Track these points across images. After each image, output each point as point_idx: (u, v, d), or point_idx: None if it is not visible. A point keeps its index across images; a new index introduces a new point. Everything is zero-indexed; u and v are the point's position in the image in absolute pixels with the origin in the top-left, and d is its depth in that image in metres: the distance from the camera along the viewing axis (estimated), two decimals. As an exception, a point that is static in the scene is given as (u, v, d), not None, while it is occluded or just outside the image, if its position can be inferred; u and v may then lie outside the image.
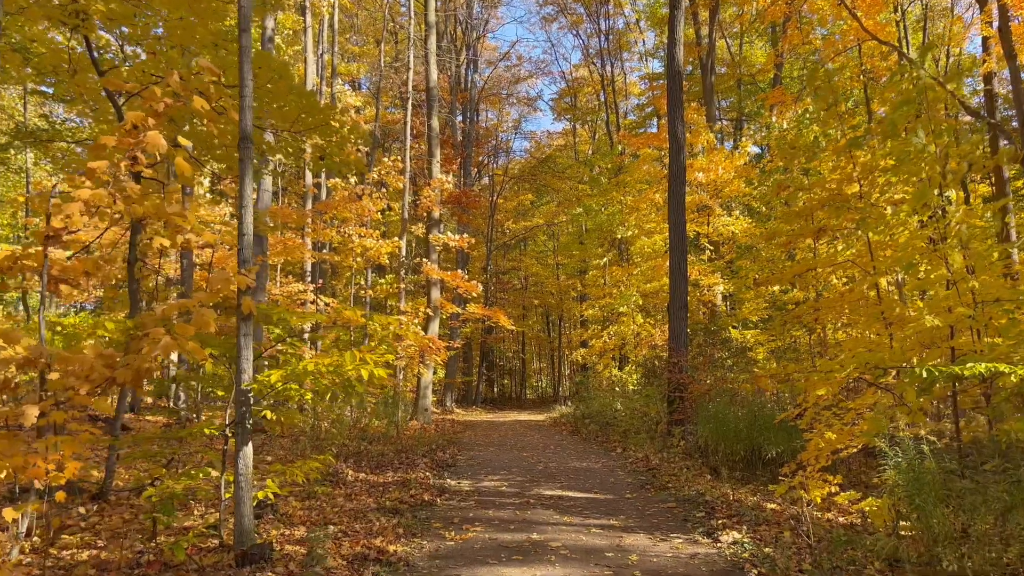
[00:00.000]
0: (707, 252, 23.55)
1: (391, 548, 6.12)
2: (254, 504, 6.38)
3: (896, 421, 7.53)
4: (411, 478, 9.72)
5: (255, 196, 15.16)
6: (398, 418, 15.72)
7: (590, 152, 38.01)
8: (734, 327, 20.74)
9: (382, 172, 16.46)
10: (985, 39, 15.74)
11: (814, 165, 16.59)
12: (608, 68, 37.81)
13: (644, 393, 15.10)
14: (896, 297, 10.39)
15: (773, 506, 8.41)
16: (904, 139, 6.99)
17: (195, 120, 7.55)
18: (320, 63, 22.71)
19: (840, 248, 13.04)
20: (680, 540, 6.54)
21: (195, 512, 7.31)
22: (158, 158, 5.81)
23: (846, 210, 8.49)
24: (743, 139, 32.02)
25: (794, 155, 12.89)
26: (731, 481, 9.74)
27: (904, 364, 7.55)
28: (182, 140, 5.67)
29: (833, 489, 8.49)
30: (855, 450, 8.41)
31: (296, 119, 7.63)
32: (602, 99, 39.02)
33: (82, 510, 7.03)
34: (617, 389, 22.17)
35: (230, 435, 5.84)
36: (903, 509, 5.99)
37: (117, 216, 6.09)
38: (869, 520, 7.54)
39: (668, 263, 22.98)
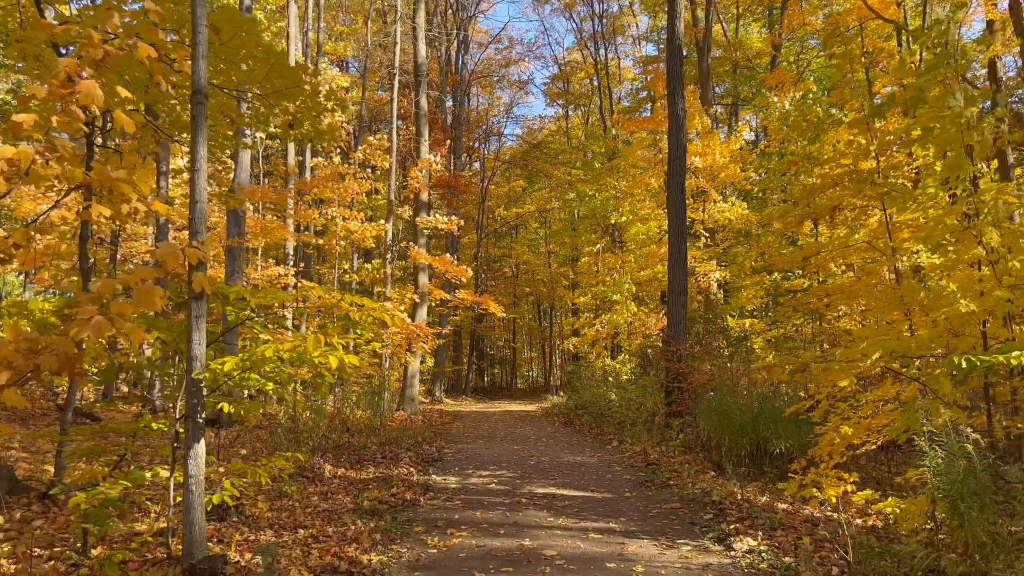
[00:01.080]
0: (702, 239, 22.89)
1: (365, 558, 5.43)
2: (212, 508, 5.68)
3: (929, 415, 6.90)
4: (393, 474, 9.03)
5: (233, 175, 14.38)
6: (383, 408, 15.02)
7: (583, 138, 37.22)
8: (731, 316, 20.12)
9: (367, 151, 15.68)
10: (990, 22, 15.09)
11: (815, 148, 15.95)
12: (602, 52, 37.04)
13: (641, 383, 14.46)
14: (913, 281, 9.76)
15: (784, 506, 7.79)
16: (936, 103, 6.30)
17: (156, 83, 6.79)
18: (305, 41, 21.84)
19: (843, 233, 12.41)
20: (689, 547, 5.88)
21: (151, 515, 6.60)
22: (96, 112, 5.06)
23: (867, 185, 7.81)
24: (739, 124, 31.39)
25: (807, 128, 12.21)
26: (736, 478, 9.09)
27: (935, 353, 6.91)
28: (122, 91, 4.92)
29: (849, 488, 7.86)
30: (874, 446, 7.80)
31: (263, 80, 6.87)
32: (595, 84, 38.25)
33: (20, 513, 6.30)
34: (610, 379, 21.55)
35: (182, 431, 5.12)
36: (942, 515, 5.34)
37: (55, 183, 5.37)
38: (893, 524, 6.91)
39: (666, 247, 22.32)
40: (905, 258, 10.40)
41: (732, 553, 5.67)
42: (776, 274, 18.82)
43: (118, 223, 9.00)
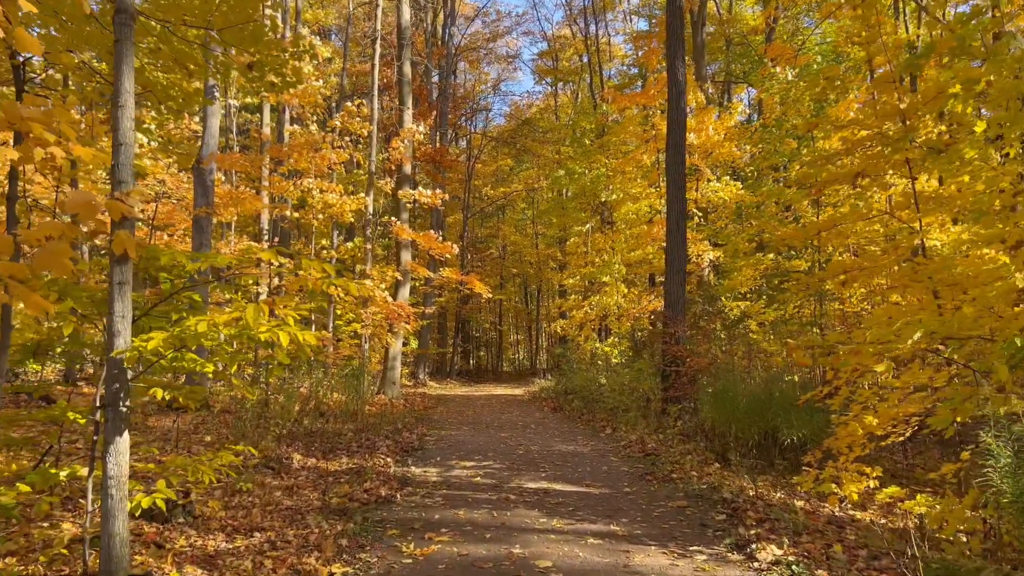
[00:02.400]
0: (695, 218, 22.08)
1: (326, 571, 4.60)
2: (143, 511, 4.83)
3: (990, 402, 6.13)
4: (368, 466, 8.19)
5: (200, 141, 13.39)
6: (363, 392, 14.17)
7: (572, 115, 36.27)
8: (726, 297, 19.37)
9: (345, 119, 14.70)
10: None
11: (831, 111, 15.13)
12: (592, 28, 36.04)
13: (636, 367, 13.66)
14: (947, 256, 8.97)
15: (801, 504, 7.03)
16: (998, 51, 5.47)
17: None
18: (283, 6, 20.73)
19: (847, 209, 11.61)
20: (704, 557, 5.08)
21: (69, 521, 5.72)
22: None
23: (905, 143, 6.99)
24: (732, 102, 30.55)
25: (830, 85, 11.33)
26: (744, 471, 8.34)
27: (979, 334, 6.14)
28: (23, 3, 3.99)
29: (871, 484, 7.11)
30: (901, 438, 7.05)
31: (214, 13, 5.93)
32: (584, 61, 37.26)
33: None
34: (600, 363, 20.82)
35: (101, 420, 4.25)
36: (1009, 525, 4.57)
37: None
38: (928, 526, 6.15)
39: (659, 227, 21.61)
40: (932, 233, 9.64)
41: (756, 565, 4.88)
42: (773, 255, 18.06)
43: (55, 178, 8.06)
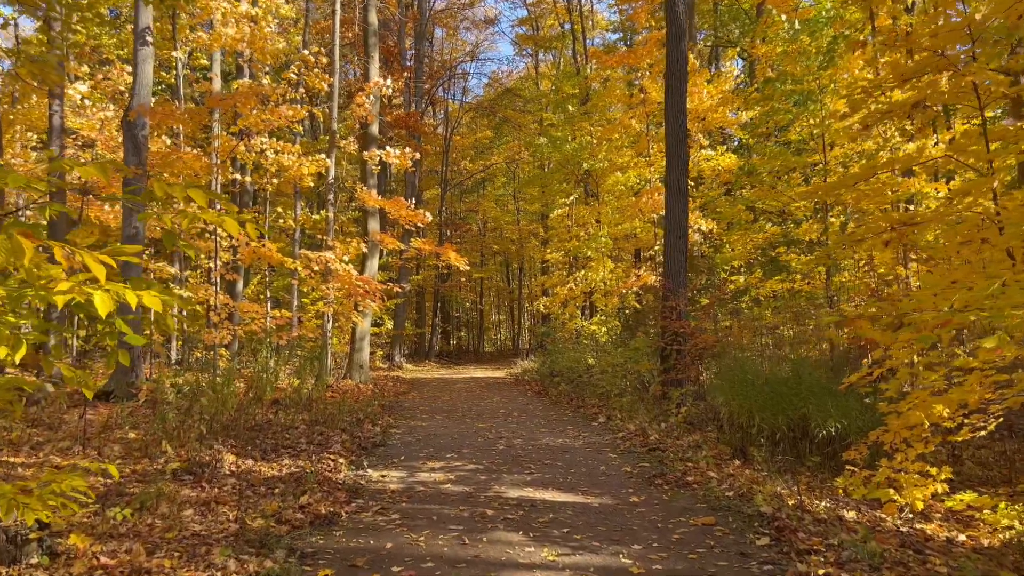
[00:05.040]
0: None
1: (207, 657, 3.07)
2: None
3: None
4: (311, 471, 6.64)
5: (131, 91, 11.68)
6: (323, 376, 12.60)
7: (556, 77, 34.59)
8: (723, 270, 17.96)
9: (301, 70, 12.99)
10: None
11: (843, 63, 13.68)
12: (574, -8, 34.22)
13: (631, 346, 12.18)
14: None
15: (852, 515, 5.60)
16: None
17: None
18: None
19: (881, 159, 10.15)
20: (760, 612, 3.60)
21: None
22: None
23: (972, 69, 5.52)
24: (727, 65, 29.07)
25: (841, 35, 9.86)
26: (771, 469, 6.91)
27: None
28: None
29: (938, 488, 5.68)
30: (984, 432, 5.65)
31: None
32: (567, 28, 35.51)
33: None
34: (585, 342, 19.38)
35: None
36: None
37: None
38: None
39: (646, 197, 20.12)
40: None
41: (838, 627, 3.40)
42: (778, 224, 16.64)
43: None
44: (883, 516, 5.69)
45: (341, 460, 7.25)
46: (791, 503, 5.59)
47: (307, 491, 5.87)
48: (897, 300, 8.06)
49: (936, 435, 5.48)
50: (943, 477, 5.47)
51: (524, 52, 40.94)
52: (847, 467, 5.85)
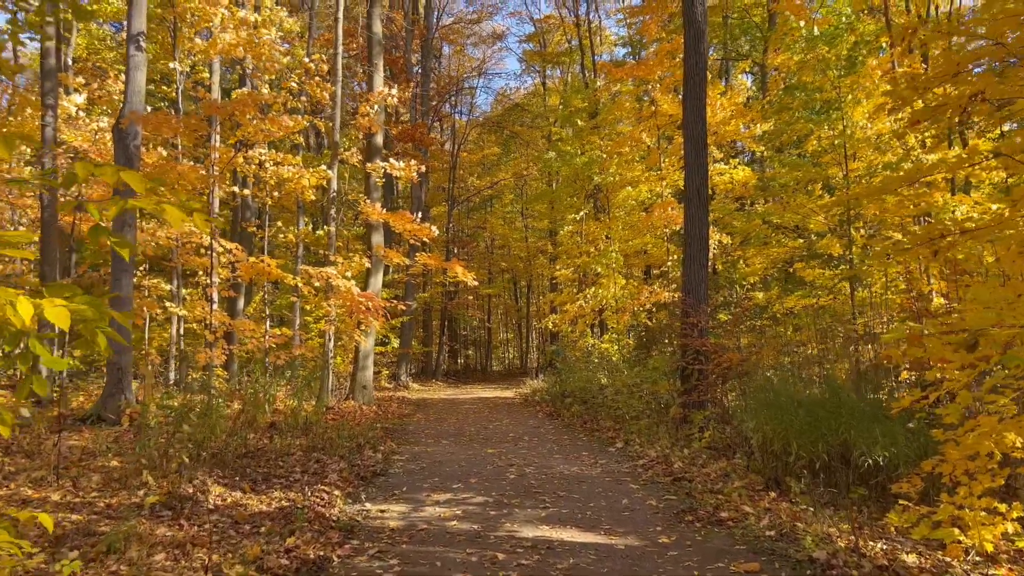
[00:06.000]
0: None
1: None
2: None
3: None
4: (303, 505, 6.01)
5: (123, 99, 11.20)
6: (323, 398, 12.00)
7: (564, 92, 34.17)
8: (740, 285, 17.32)
9: (302, 79, 12.49)
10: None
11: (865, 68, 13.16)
12: (583, 8, 33.98)
13: (649, 365, 11.51)
14: None
15: (913, 559, 4.93)
16: None
17: None
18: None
19: (930, 160, 9.53)
20: None
21: None
22: None
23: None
24: (737, 78, 28.59)
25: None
26: (810, 502, 6.25)
27: None
28: None
29: (1008, 527, 5.02)
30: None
31: None
32: (574, 44, 35.17)
33: None
34: (596, 360, 18.73)
35: None
36: None
37: None
38: None
39: (658, 212, 19.54)
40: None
41: None
42: (797, 239, 15.99)
43: None
44: (947, 559, 5.01)
45: (337, 492, 6.61)
46: (842, 545, 4.93)
47: (296, 530, 5.24)
48: (946, 316, 7.40)
49: (1005, 467, 4.85)
50: (1015, 515, 4.82)
51: (532, 69, 40.60)
52: (899, 501, 5.21)
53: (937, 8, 23.20)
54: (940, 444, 4.95)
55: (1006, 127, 12.54)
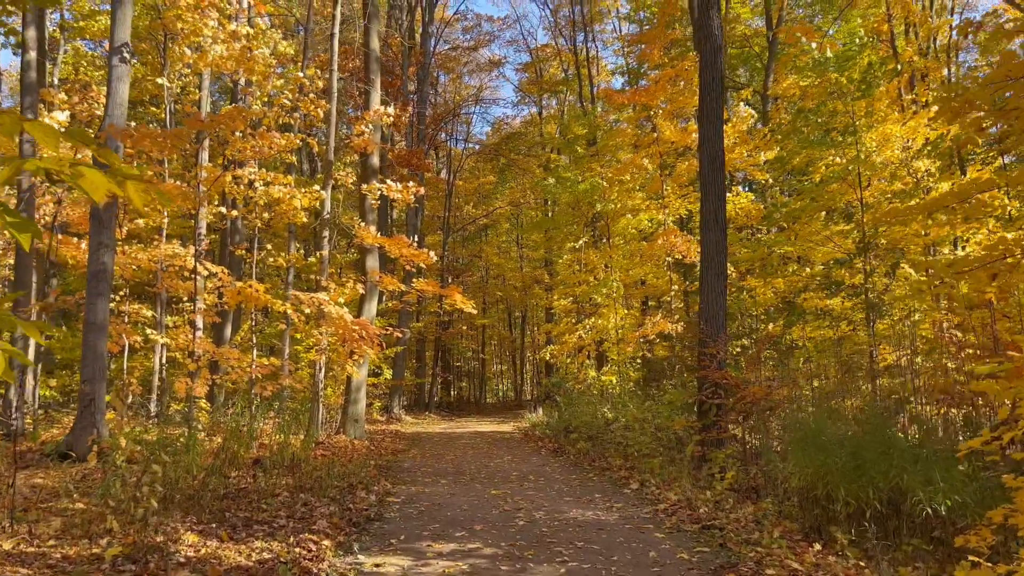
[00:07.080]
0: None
1: None
2: None
3: None
4: (289, 557, 5.24)
5: (104, 112, 10.58)
6: (313, 432, 11.21)
7: (563, 119, 33.83)
8: (751, 315, 16.71)
9: (295, 96, 11.90)
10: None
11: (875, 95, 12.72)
12: (580, 37, 33.74)
13: (665, 399, 10.79)
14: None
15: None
16: None
17: None
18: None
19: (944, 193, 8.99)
20: None
21: None
22: None
23: None
24: (739, 106, 28.29)
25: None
26: (859, 555, 5.53)
27: None
28: None
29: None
30: None
31: None
32: (570, 74, 34.95)
33: None
34: (596, 392, 18.02)
35: None
36: None
37: None
38: None
39: (661, 240, 18.97)
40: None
41: None
42: (821, 266, 15.39)
43: None
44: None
45: (326, 542, 5.83)
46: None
47: (277, 592, 4.48)
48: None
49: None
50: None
51: (528, 99, 40.31)
52: (966, 556, 4.51)
53: (935, 40, 22.90)
54: (1013, 492, 4.30)
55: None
